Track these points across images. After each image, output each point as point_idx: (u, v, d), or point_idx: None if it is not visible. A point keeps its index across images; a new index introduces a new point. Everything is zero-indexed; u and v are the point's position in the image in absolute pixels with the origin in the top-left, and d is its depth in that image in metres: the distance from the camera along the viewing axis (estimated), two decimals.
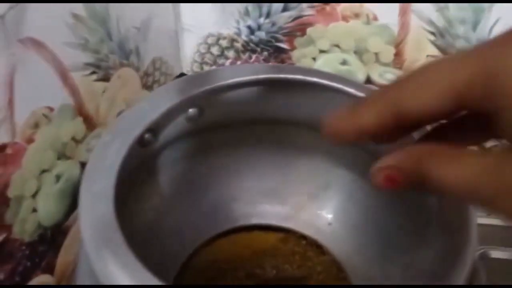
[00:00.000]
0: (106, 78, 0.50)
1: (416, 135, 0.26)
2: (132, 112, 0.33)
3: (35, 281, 0.44)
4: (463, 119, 0.24)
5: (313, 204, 0.44)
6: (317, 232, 0.43)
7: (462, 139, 0.25)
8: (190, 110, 0.36)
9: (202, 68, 0.65)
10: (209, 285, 0.39)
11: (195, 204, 0.42)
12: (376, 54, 0.59)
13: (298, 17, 0.59)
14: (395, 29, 0.57)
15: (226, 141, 0.42)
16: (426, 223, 0.27)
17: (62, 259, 0.47)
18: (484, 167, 0.19)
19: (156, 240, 0.39)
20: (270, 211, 0.44)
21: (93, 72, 0.48)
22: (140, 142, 0.33)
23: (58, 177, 0.45)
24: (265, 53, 0.62)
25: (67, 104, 0.45)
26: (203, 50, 0.64)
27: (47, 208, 0.44)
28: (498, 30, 0.53)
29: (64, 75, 0.43)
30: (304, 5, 0.58)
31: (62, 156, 0.45)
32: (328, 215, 0.44)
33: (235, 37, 0.62)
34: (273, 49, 0.62)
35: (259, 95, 0.37)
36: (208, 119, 0.38)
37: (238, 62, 0.63)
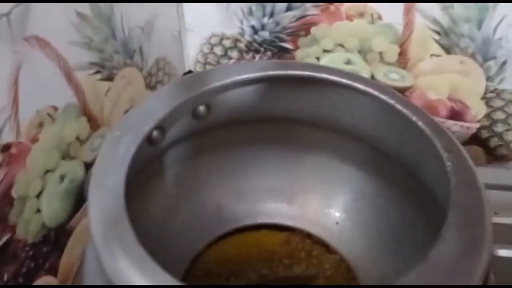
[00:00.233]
0: (110, 78, 0.50)
1: None
2: (140, 108, 0.32)
3: (38, 282, 0.44)
4: None
5: (320, 203, 0.43)
6: (324, 231, 0.42)
7: None
8: (198, 108, 0.35)
9: (205, 69, 0.65)
10: (217, 285, 0.38)
11: (202, 203, 0.42)
12: (380, 53, 0.59)
13: (302, 17, 0.59)
14: (400, 28, 0.57)
15: (233, 140, 0.41)
16: (439, 221, 0.27)
17: (66, 260, 0.47)
18: None
19: (163, 238, 0.38)
20: (277, 210, 0.44)
21: (97, 72, 0.47)
22: (149, 140, 0.32)
23: (62, 177, 0.45)
24: (269, 53, 0.62)
25: (71, 104, 0.44)
26: (206, 50, 0.64)
27: (51, 209, 0.44)
28: (503, 28, 0.53)
29: (68, 74, 0.43)
30: (308, 4, 0.58)
31: (66, 156, 0.45)
32: (336, 214, 0.43)
33: (239, 37, 0.62)
34: (277, 49, 0.62)
35: (266, 92, 0.37)
36: (215, 117, 0.37)
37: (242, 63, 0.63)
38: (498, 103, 0.59)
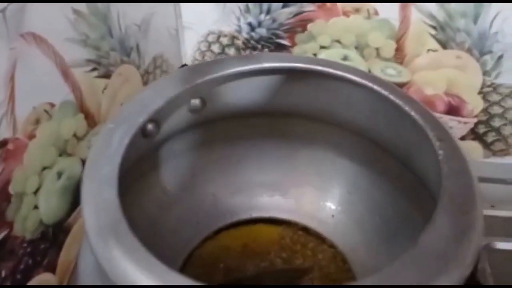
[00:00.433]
0: (107, 75, 0.50)
1: None
2: (135, 101, 0.33)
3: (36, 279, 0.44)
4: None
5: (316, 196, 0.44)
6: (320, 224, 0.42)
7: None
8: (193, 101, 0.35)
9: None
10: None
11: (198, 197, 0.42)
12: (377, 49, 0.59)
13: (299, 13, 0.59)
14: (396, 23, 0.57)
15: (228, 134, 0.42)
16: (432, 209, 0.27)
17: (64, 257, 0.47)
18: None
19: (159, 233, 0.39)
20: (273, 204, 0.44)
21: (94, 69, 0.47)
22: (143, 132, 0.32)
23: (59, 174, 0.45)
24: (266, 50, 0.62)
25: (68, 101, 0.44)
26: (203, 48, 0.64)
27: (48, 205, 0.44)
28: (498, 23, 0.53)
29: (65, 71, 0.43)
30: None
31: (63, 153, 0.45)
32: (331, 207, 0.44)
33: (236, 34, 0.62)
34: (274, 45, 0.62)
35: (261, 85, 0.37)
36: (210, 111, 0.38)
37: None
38: (495, 97, 0.59)
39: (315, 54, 0.61)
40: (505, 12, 0.53)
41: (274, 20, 0.60)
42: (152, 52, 0.58)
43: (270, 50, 0.62)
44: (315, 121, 0.41)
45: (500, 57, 0.56)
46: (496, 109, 0.60)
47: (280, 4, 0.58)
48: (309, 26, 0.60)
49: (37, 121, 0.41)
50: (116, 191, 0.26)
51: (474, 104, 0.60)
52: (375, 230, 0.41)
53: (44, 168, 0.43)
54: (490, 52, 0.56)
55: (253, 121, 0.41)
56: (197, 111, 0.36)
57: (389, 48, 0.59)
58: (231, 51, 0.63)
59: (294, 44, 0.61)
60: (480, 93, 0.59)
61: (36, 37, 0.39)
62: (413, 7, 0.56)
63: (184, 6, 0.61)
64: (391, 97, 0.33)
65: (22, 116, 0.39)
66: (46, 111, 0.42)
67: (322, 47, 0.61)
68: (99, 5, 0.46)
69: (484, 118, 0.61)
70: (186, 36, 0.64)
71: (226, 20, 0.61)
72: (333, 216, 0.43)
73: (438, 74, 0.59)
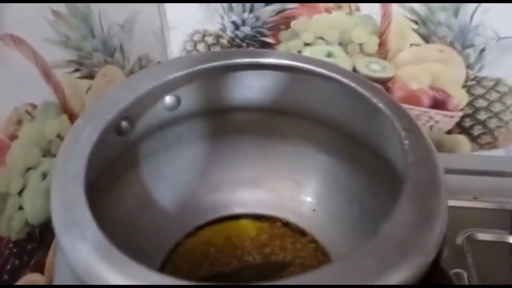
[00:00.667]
0: (90, 76, 0.50)
1: None
2: (105, 98, 0.33)
3: (24, 279, 0.44)
4: None
5: (296, 191, 0.44)
6: (301, 218, 0.43)
7: None
8: (167, 98, 0.36)
9: None
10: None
11: (179, 194, 0.42)
12: (361, 45, 0.60)
13: (282, 11, 0.59)
14: (378, 19, 0.57)
15: (205, 131, 0.42)
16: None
17: (52, 258, 0.47)
18: None
19: (140, 230, 0.39)
20: (254, 200, 0.44)
21: (77, 70, 0.48)
22: (117, 130, 0.33)
23: (44, 175, 0.45)
24: (251, 48, 0.62)
25: (50, 101, 0.45)
26: (189, 48, 0.64)
27: (34, 206, 0.44)
28: (479, 16, 0.53)
29: (46, 72, 0.43)
30: None
31: (47, 153, 0.45)
32: (312, 201, 0.44)
33: (221, 33, 0.62)
34: (259, 43, 0.62)
35: (235, 81, 0.37)
36: (186, 108, 0.38)
37: None
38: (479, 90, 0.59)
39: (299, 51, 0.61)
40: (485, 5, 0.53)
41: (257, 18, 0.60)
42: (137, 52, 0.58)
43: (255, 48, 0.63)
44: (292, 117, 0.41)
45: (483, 50, 0.56)
46: (481, 102, 0.60)
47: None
48: (292, 24, 0.60)
49: (19, 122, 0.41)
50: (82, 186, 0.26)
51: (459, 98, 0.60)
52: (354, 223, 0.41)
53: (28, 169, 0.43)
54: (472, 45, 0.56)
55: (230, 118, 0.42)
56: (173, 108, 0.37)
57: (372, 44, 0.59)
58: (217, 50, 0.64)
59: (278, 42, 0.62)
60: (464, 86, 0.59)
61: (14, 38, 0.39)
62: (394, 3, 0.56)
63: (168, 5, 0.62)
64: (359, 89, 0.34)
65: (3, 117, 0.40)
66: (27, 111, 0.42)
67: (306, 44, 0.61)
68: (79, 5, 0.46)
69: (469, 111, 0.61)
70: (171, 36, 0.64)
71: (211, 19, 0.61)
72: (314, 210, 0.44)
73: (422, 68, 0.59)
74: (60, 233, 0.25)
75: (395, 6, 0.56)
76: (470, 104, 0.60)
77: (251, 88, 0.39)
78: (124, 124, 0.33)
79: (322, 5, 0.58)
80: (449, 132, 0.63)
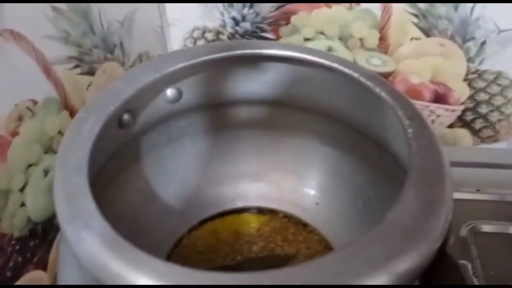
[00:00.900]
0: (91, 72, 0.50)
1: None
2: (106, 90, 0.33)
3: (27, 276, 0.44)
4: None
5: (299, 184, 0.44)
6: (304, 211, 0.43)
7: None
8: (168, 91, 0.36)
9: None
10: None
11: (181, 189, 0.42)
12: (361, 39, 0.59)
13: (281, 6, 0.59)
14: (378, 13, 0.57)
15: (207, 124, 0.42)
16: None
17: (55, 254, 0.47)
18: None
19: (144, 223, 0.39)
20: (256, 193, 0.44)
21: (77, 66, 0.48)
22: (119, 123, 0.33)
23: (46, 172, 0.45)
24: (254, 40, 0.62)
25: (51, 98, 0.44)
26: (189, 44, 0.64)
27: (36, 203, 0.44)
28: (479, 9, 0.53)
29: (46, 68, 0.43)
30: None
31: (49, 150, 0.45)
32: (315, 194, 0.44)
33: (221, 29, 0.62)
34: (259, 39, 0.62)
35: (236, 73, 0.37)
36: (188, 101, 0.38)
37: None
38: (480, 84, 0.59)
39: None
40: None
41: (257, 14, 0.60)
42: (137, 49, 0.58)
43: None
44: (295, 110, 0.41)
45: (483, 43, 0.56)
46: (482, 96, 0.60)
47: None
48: (292, 19, 0.60)
49: (20, 118, 0.41)
50: (86, 176, 0.26)
51: (460, 92, 0.60)
52: (357, 215, 0.41)
53: (30, 165, 0.43)
54: (473, 38, 0.56)
55: (232, 111, 0.41)
56: (174, 101, 0.37)
57: (372, 38, 0.59)
58: None
59: (278, 37, 0.62)
60: (465, 80, 0.59)
61: (14, 34, 0.39)
62: None
63: (168, 3, 0.62)
64: (362, 79, 0.34)
65: (4, 114, 0.39)
66: (28, 108, 0.42)
67: (307, 39, 0.61)
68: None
69: (471, 105, 0.61)
70: (171, 32, 0.64)
71: (210, 16, 0.61)
72: (317, 203, 0.44)
73: (422, 62, 0.59)
74: (64, 224, 0.25)
75: None
76: (471, 97, 0.60)
77: (253, 80, 0.39)
78: (125, 116, 0.33)
79: None
80: (450, 126, 0.63)
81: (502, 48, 0.56)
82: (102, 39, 0.51)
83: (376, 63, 0.60)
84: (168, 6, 0.62)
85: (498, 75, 0.58)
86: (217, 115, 0.42)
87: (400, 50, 0.59)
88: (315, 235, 0.42)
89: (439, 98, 0.61)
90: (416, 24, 0.57)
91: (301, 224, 0.43)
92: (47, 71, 0.43)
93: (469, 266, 0.41)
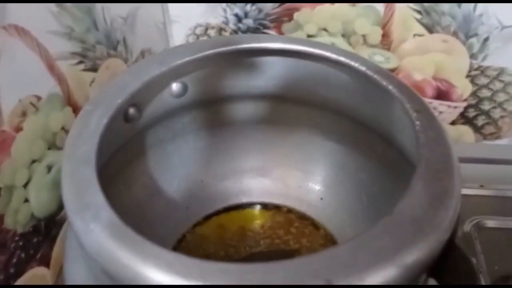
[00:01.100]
0: (94, 68, 0.50)
1: None
2: (113, 83, 0.33)
3: (30, 273, 0.44)
4: None
5: (304, 179, 0.44)
6: (309, 207, 0.43)
7: None
8: (174, 85, 0.36)
9: None
10: None
11: (187, 184, 0.42)
12: (364, 36, 0.59)
13: (284, 2, 0.59)
14: (381, 9, 0.57)
15: (213, 120, 0.42)
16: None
17: (58, 251, 0.47)
18: None
19: (150, 218, 0.39)
20: (261, 189, 0.44)
21: (80, 62, 0.48)
22: (125, 117, 0.33)
23: (49, 168, 0.45)
24: (262, 34, 0.62)
25: (55, 93, 0.44)
26: (192, 41, 0.64)
27: (39, 199, 0.44)
28: (482, 5, 0.53)
29: (50, 64, 0.43)
30: None
31: (52, 146, 0.45)
32: (320, 190, 0.44)
33: (223, 26, 0.62)
34: None
35: (241, 67, 0.37)
36: (193, 96, 0.38)
37: None
38: (483, 80, 0.59)
39: None
40: None
41: (260, 11, 0.60)
42: (140, 45, 0.58)
43: None
44: (300, 104, 0.41)
45: (486, 39, 0.56)
46: (485, 92, 0.60)
47: None
48: (295, 15, 0.60)
49: (24, 114, 0.41)
50: (94, 168, 0.26)
51: (463, 88, 0.60)
52: (362, 210, 0.41)
53: (33, 161, 0.43)
54: (476, 34, 0.56)
55: (238, 106, 0.41)
56: (180, 95, 0.37)
57: (375, 35, 0.59)
58: None
59: (281, 34, 0.62)
60: (468, 76, 0.59)
61: (19, 29, 0.39)
62: None
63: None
64: (369, 72, 0.34)
65: (8, 109, 0.39)
66: (32, 103, 0.42)
67: (309, 36, 0.61)
68: None
69: (473, 101, 0.61)
70: (174, 29, 0.64)
71: (213, 12, 0.61)
72: (321, 198, 0.44)
73: (425, 58, 0.59)
74: (72, 216, 0.24)
75: None
76: (473, 94, 0.60)
77: (258, 74, 0.39)
78: (131, 111, 0.33)
79: None
80: (453, 123, 0.63)
81: (505, 44, 0.56)
82: (106, 35, 0.51)
83: (379, 59, 0.60)
84: (171, 3, 0.62)
85: (501, 71, 0.58)
86: (222, 110, 0.42)
87: (403, 46, 0.59)
88: (320, 231, 0.42)
89: (442, 94, 0.61)
90: (419, 21, 0.57)
91: (306, 220, 0.43)
92: (51, 67, 0.43)
93: (473, 261, 0.41)
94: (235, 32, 0.62)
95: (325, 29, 0.60)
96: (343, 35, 0.60)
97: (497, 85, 0.59)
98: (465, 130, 0.63)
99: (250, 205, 0.44)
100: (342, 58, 0.35)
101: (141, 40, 0.58)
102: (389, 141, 0.37)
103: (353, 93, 0.37)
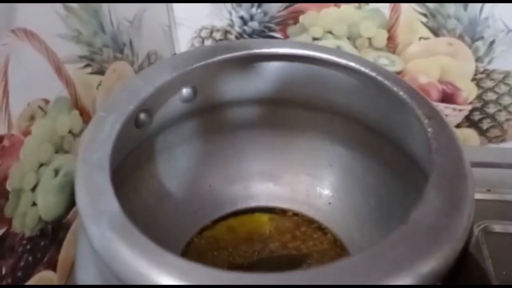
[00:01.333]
0: (101, 72, 0.50)
1: None
2: (125, 89, 0.33)
3: (37, 276, 0.44)
4: None
5: (312, 184, 0.44)
6: (317, 211, 0.43)
7: None
8: (184, 90, 0.36)
9: None
10: None
11: (194, 188, 0.42)
12: (369, 39, 0.59)
13: (290, 5, 0.59)
14: (387, 12, 0.57)
15: (222, 124, 0.42)
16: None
17: (64, 254, 0.47)
18: None
19: (158, 223, 0.39)
20: (269, 193, 0.44)
21: (87, 65, 0.48)
22: (136, 122, 0.33)
23: (56, 171, 0.45)
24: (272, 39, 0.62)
25: (62, 97, 0.44)
26: (197, 44, 0.64)
27: (47, 202, 0.44)
28: (488, 8, 0.53)
29: (58, 67, 0.43)
30: None
31: (60, 149, 0.45)
32: (328, 194, 0.44)
33: (229, 28, 0.62)
34: (267, 39, 0.62)
35: (251, 72, 0.37)
36: (202, 101, 0.38)
37: None
38: (488, 83, 0.59)
39: None
40: None
41: (265, 13, 0.60)
42: (146, 48, 0.58)
43: None
44: (308, 109, 0.41)
45: (492, 43, 0.56)
46: (490, 95, 0.60)
47: None
48: (301, 18, 0.60)
49: (32, 117, 0.41)
50: (108, 174, 0.26)
51: (468, 91, 0.60)
52: (371, 215, 0.41)
53: (41, 165, 0.43)
54: (482, 38, 0.56)
55: (246, 111, 0.41)
56: (189, 101, 0.37)
57: (381, 38, 0.59)
58: None
59: (286, 37, 0.62)
60: (473, 79, 0.59)
61: (27, 32, 0.39)
62: None
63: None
64: (379, 78, 0.34)
65: (17, 113, 0.39)
66: (40, 107, 0.42)
67: (315, 39, 0.61)
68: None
69: (478, 105, 0.61)
70: (179, 32, 0.64)
71: (218, 15, 0.61)
72: (329, 203, 0.44)
73: (431, 62, 0.59)
74: (87, 223, 0.24)
75: None
76: (479, 97, 0.60)
77: (266, 79, 0.39)
78: (142, 116, 0.33)
79: None
80: (458, 126, 0.63)
81: (511, 47, 0.56)
82: (112, 38, 0.51)
83: (384, 62, 0.60)
84: (176, 5, 0.62)
85: (507, 74, 0.58)
86: (230, 115, 0.42)
87: (409, 49, 0.59)
88: (328, 236, 0.42)
89: (447, 97, 0.61)
90: (424, 24, 0.57)
91: (314, 224, 0.43)
92: (59, 70, 0.43)
93: (486, 268, 0.41)
94: (240, 34, 0.62)
95: (330, 32, 0.60)
96: (348, 38, 0.60)
97: (503, 88, 0.59)
98: (470, 133, 0.63)
99: (258, 209, 0.44)
100: (351, 63, 0.35)
101: (147, 42, 0.58)
102: (398, 146, 0.37)
103: (362, 98, 0.37)
